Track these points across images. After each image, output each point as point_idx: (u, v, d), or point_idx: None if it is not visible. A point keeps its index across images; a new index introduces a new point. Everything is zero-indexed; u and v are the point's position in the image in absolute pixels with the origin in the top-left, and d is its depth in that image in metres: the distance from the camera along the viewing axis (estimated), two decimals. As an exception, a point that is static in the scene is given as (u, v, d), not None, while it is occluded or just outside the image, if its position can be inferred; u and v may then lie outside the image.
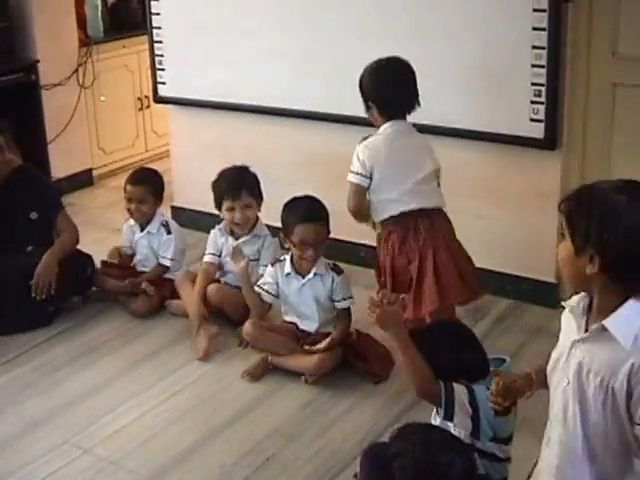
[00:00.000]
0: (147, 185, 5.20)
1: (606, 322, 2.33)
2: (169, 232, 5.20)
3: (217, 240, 4.98)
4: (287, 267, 4.47)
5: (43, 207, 5.18)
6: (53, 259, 5.01)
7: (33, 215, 5.14)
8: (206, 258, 5.00)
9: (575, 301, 2.52)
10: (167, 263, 5.18)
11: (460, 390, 3.01)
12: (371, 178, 4.20)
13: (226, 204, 4.85)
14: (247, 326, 4.54)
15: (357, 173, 4.21)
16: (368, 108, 4.31)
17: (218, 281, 5.01)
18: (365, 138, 4.29)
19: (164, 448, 3.94)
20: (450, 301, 4.24)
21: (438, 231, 4.24)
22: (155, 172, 5.39)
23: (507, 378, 2.82)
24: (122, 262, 5.34)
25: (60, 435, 4.08)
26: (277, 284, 4.49)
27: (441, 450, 2.70)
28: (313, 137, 5.49)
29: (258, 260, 4.87)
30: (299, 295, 4.46)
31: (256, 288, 4.53)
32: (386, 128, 4.25)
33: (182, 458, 3.86)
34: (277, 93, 5.50)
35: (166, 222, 5.24)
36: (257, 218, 4.95)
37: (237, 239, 4.91)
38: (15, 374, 4.63)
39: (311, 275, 4.42)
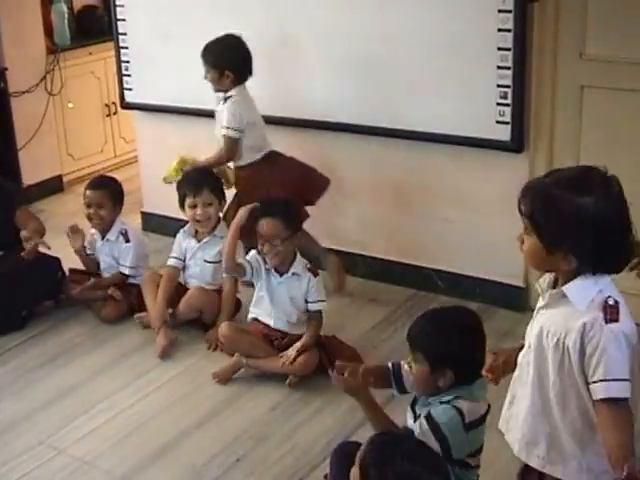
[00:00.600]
0: (105, 190, 5.25)
1: (564, 287, 2.49)
2: (127, 240, 5.22)
3: (181, 243, 5.04)
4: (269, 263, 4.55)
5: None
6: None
7: None
8: (170, 261, 5.06)
9: (543, 279, 2.68)
10: (126, 271, 5.22)
11: (428, 433, 2.95)
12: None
13: (188, 201, 4.89)
14: (223, 327, 4.61)
15: (234, 128, 4.95)
16: (220, 75, 4.96)
17: (181, 284, 5.06)
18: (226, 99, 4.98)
19: (136, 448, 4.00)
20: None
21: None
22: (114, 179, 5.46)
23: (503, 355, 2.91)
24: (88, 269, 5.37)
25: (34, 436, 4.13)
26: (259, 273, 4.55)
27: (416, 462, 2.67)
28: (279, 142, 5.53)
29: (219, 262, 4.88)
30: (275, 292, 4.52)
31: (242, 260, 4.57)
32: (241, 89, 5.01)
33: (154, 458, 3.93)
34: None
35: (125, 230, 5.25)
36: (219, 219, 4.99)
37: (199, 241, 4.97)
38: (-11, 377, 4.68)
39: (289, 274, 4.49)
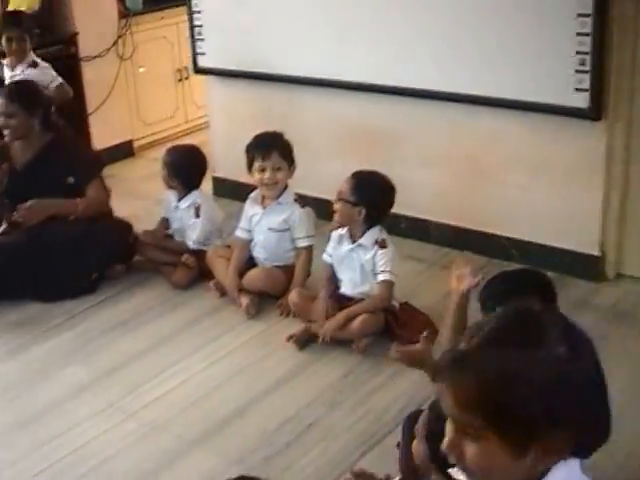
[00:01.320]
0: (181, 160, 5.21)
1: None
2: (197, 216, 5.18)
3: (248, 211, 4.97)
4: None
5: (78, 172, 5.20)
6: (50, 208, 5.09)
7: (70, 180, 5.17)
8: (237, 232, 5.01)
9: None
10: (191, 245, 5.19)
11: None
12: None
13: (257, 164, 4.80)
14: (293, 295, 4.60)
15: None
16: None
17: (251, 256, 5.01)
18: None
19: (207, 413, 3.97)
20: None
21: None
22: (193, 147, 5.39)
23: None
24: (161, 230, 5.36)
25: (105, 399, 4.13)
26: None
27: None
28: (350, 108, 5.49)
29: (285, 231, 4.86)
30: (345, 259, 4.48)
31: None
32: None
33: (225, 423, 3.90)
34: (316, 64, 5.49)
35: (198, 205, 5.19)
36: (286, 186, 4.91)
37: (264, 208, 4.90)
38: (60, 340, 4.69)
39: (358, 244, 4.43)
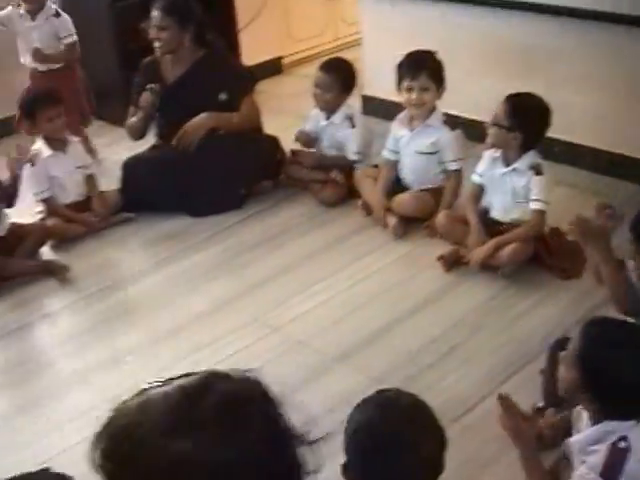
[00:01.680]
0: (337, 74, 5.14)
1: None
2: (353, 126, 5.14)
3: (396, 133, 4.88)
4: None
5: (231, 88, 5.22)
6: (207, 119, 5.13)
7: (222, 96, 5.20)
8: (384, 153, 4.94)
9: None
10: (354, 157, 5.14)
11: None
12: None
13: (405, 83, 4.71)
14: (440, 217, 4.55)
15: None
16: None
17: (398, 177, 4.94)
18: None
19: (351, 331, 3.99)
20: None
21: None
22: (348, 63, 5.29)
23: None
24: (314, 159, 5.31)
25: (250, 313, 4.19)
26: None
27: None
28: (502, 27, 5.34)
29: (433, 154, 4.78)
30: (498, 182, 4.39)
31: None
32: None
33: (368, 342, 3.90)
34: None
35: (351, 115, 5.17)
36: (434, 108, 4.79)
37: (412, 130, 4.80)
38: (208, 254, 4.77)
39: (511, 168, 4.33)
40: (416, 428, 2.15)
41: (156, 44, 5.17)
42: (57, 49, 5.82)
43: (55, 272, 4.68)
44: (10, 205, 4.74)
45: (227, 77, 5.22)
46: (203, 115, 5.13)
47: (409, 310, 4.10)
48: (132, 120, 5.30)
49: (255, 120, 5.33)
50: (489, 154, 4.42)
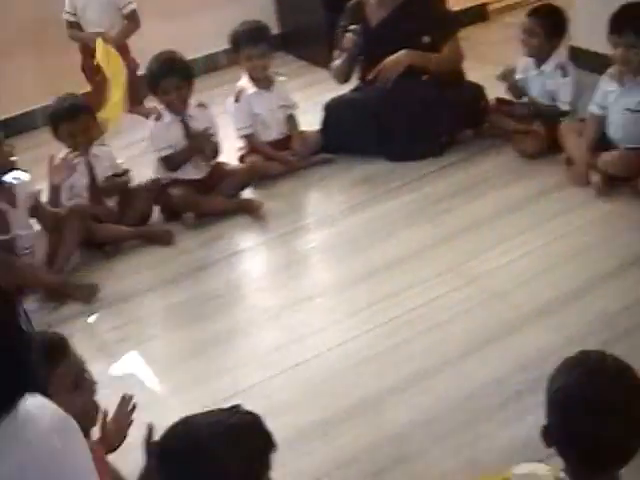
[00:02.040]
0: (546, 19, 4.99)
1: None
2: (565, 75, 4.98)
3: (605, 88, 4.67)
4: None
5: (435, 31, 5.15)
6: (406, 57, 5.07)
7: (425, 39, 5.14)
8: (591, 107, 4.75)
9: None
10: (565, 107, 4.98)
11: None
12: None
13: (612, 38, 4.49)
14: None
15: None
16: None
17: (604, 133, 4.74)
18: None
19: (547, 288, 3.89)
20: None
21: None
22: (559, 9, 5.11)
23: None
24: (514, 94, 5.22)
25: (444, 263, 4.15)
26: None
27: None
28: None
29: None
30: None
31: None
32: None
33: (564, 301, 3.80)
34: None
35: (563, 64, 5.02)
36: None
37: (623, 86, 4.58)
38: (404, 200, 4.76)
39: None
40: (625, 392, 2.09)
41: None
42: (116, 20, 5.89)
43: (250, 210, 4.77)
44: None
45: (431, 20, 5.15)
46: (402, 52, 5.07)
47: (608, 272, 3.96)
48: (336, 63, 5.30)
49: (456, 63, 5.24)
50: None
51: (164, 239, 4.67)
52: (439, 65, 5.13)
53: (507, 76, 5.15)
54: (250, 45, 5.05)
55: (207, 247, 4.59)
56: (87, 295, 4.26)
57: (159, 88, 4.80)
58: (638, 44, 4.46)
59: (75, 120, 4.63)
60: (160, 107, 4.91)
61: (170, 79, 4.77)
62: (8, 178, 4.32)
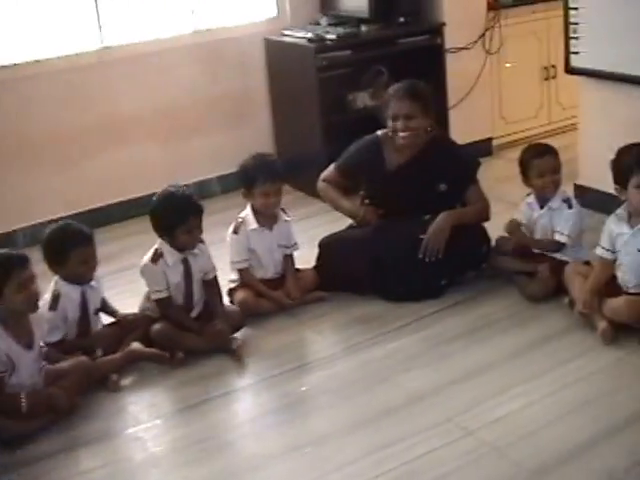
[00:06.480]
0: (557, 156, 4.96)
1: None
2: (570, 207, 4.90)
3: (613, 230, 4.51)
4: None
5: (454, 180, 5.08)
6: (446, 223, 4.95)
7: (442, 187, 5.06)
8: (597, 251, 4.59)
9: None
10: (563, 239, 4.86)
11: None
12: None
13: (635, 180, 4.34)
14: None
15: None
16: None
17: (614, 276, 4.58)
18: None
19: (550, 443, 3.67)
20: None
21: None
22: (552, 146, 5.09)
23: None
24: (519, 240, 5.07)
25: (443, 412, 3.95)
26: None
27: None
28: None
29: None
30: None
31: None
32: None
33: (568, 457, 3.58)
34: None
35: (568, 198, 4.95)
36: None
37: (632, 227, 4.43)
38: (403, 343, 4.59)
39: None
40: None
41: (402, 134, 5.03)
42: None
43: (229, 352, 4.60)
44: None
45: (449, 167, 5.08)
46: (441, 217, 4.97)
47: (615, 426, 3.75)
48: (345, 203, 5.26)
49: (487, 211, 5.14)
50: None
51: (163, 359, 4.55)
52: (475, 218, 5.08)
53: (514, 230, 5.04)
54: (268, 182, 4.95)
55: (192, 387, 4.38)
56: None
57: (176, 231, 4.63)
58: None
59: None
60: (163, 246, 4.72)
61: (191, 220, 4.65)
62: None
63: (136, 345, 4.60)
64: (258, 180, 4.93)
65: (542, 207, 4.97)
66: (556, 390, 4.05)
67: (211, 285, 4.80)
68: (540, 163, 4.94)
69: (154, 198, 4.71)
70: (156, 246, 4.68)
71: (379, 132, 5.17)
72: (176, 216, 4.59)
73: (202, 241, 4.75)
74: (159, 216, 4.66)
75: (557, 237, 4.90)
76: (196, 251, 4.70)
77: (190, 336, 4.62)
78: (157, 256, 4.65)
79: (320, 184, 5.35)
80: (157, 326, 4.62)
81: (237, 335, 4.74)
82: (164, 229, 4.64)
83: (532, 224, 5.03)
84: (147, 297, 4.78)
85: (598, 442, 3.66)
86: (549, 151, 4.99)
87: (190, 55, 6.64)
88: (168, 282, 4.65)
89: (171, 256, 4.64)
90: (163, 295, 4.65)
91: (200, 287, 4.76)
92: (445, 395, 4.09)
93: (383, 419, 3.96)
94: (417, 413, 3.97)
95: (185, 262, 4.68)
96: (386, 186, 5.10)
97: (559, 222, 4.90)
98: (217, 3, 6.75)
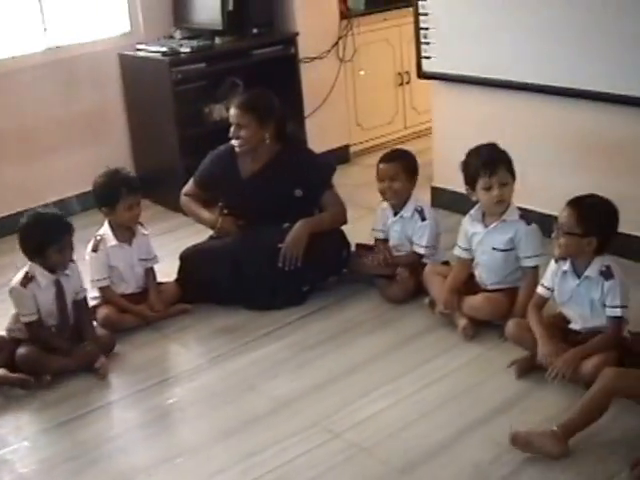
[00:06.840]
0: (400, 162, 5.03)
1: None
2: (424, 219, 4.97)
3: (468, 230, 4.65)
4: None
5: (309, 185, 5.10)
6: (304, 230, 4.97)
7: (298, 192, 5.08)
8: (455, 251, 4.72)
9: None
10: (421, 251, 4.96)
11: None
12: None
13: (482, 182, 4.46)
14: (509, 326, 4.32)
15: None
16: None
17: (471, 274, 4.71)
18: None
19: (417, 440, 3.74)
20: None
21: None
22: (408, 152, 5.19)
23: None
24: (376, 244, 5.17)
25: (309, 417, 3.98)
26: None
27: None
28: (586, 118, 5.14)
29: (510, 250, 4.52)
30: (574, 294, 4.12)
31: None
32: None
33: (435, 452, 3.65)
34: (549, 71, 5.16)
35: (421, 208, 5.02)
36: (510, 202, 4.56)
37: (487, 227, 4.58)
38: (268, 350, 4.59)
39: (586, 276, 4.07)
40: None
41: (235, 142, 5.05)
42: None
43: (93, 370, 4.52)
44: None
45: (303, 173, 5.09)
46: (298, 226, 4.98)
47: (479, 418, 3.84)
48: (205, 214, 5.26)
49: (343, 216, 5.18)
50: (555, 268, 4.16)
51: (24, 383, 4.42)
52: (332, 224, 5.09)
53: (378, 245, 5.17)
54: (132, 194, 4.90)
55: (59, 407, 4.28)
56: None
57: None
58: (509, 180, 4.48)
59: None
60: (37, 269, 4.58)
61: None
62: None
63: (0, 370, 4.49)
64: (122, 194, 4.88)
65: (396, 215, 5.07)
66: (421, 388, 4.11)
67: (81, 305, 4.71)
68: (379, 169, 5.07)
69: (22, 220, 4.59)
70: (26, 269, 4.57)
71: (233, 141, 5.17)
72: (48, 235, 4.50)
73: (73, 260, 4.67)
74: (30, 237, 4.55)
75: (415, 249, 5.00)
76: (68, 272, 4.61)
77: (57, 358, 4.52)
78: (27, 280, 4.53)
79: (182, 198, 5.34)
80: (22, 350, 4.50)
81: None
82: (35, 250, 4.53)
83: (388, 231, 5.13)
84: (15, 318, 4.66)
85: (464, 436, 3.74)
86: (392, 158, 5.08)
87: (43, 73, 6.48)
88: (38, 305, 4.54)
89: (43, 278, 4.54)
90: (33, 318, 4.53)
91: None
92: (311, 400, 4.11)
93: (251, 427, 3.95)
94: (284, 419, 3.98)
95: (57, 283, 4.58)
96: (242, 194, 5.10)
97: (415, 233, 5.00)
98: (69, 20, 6.63)
